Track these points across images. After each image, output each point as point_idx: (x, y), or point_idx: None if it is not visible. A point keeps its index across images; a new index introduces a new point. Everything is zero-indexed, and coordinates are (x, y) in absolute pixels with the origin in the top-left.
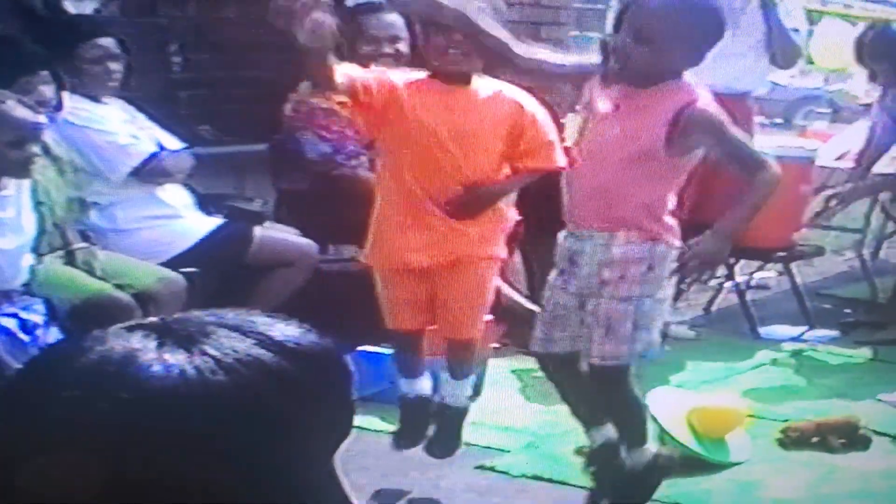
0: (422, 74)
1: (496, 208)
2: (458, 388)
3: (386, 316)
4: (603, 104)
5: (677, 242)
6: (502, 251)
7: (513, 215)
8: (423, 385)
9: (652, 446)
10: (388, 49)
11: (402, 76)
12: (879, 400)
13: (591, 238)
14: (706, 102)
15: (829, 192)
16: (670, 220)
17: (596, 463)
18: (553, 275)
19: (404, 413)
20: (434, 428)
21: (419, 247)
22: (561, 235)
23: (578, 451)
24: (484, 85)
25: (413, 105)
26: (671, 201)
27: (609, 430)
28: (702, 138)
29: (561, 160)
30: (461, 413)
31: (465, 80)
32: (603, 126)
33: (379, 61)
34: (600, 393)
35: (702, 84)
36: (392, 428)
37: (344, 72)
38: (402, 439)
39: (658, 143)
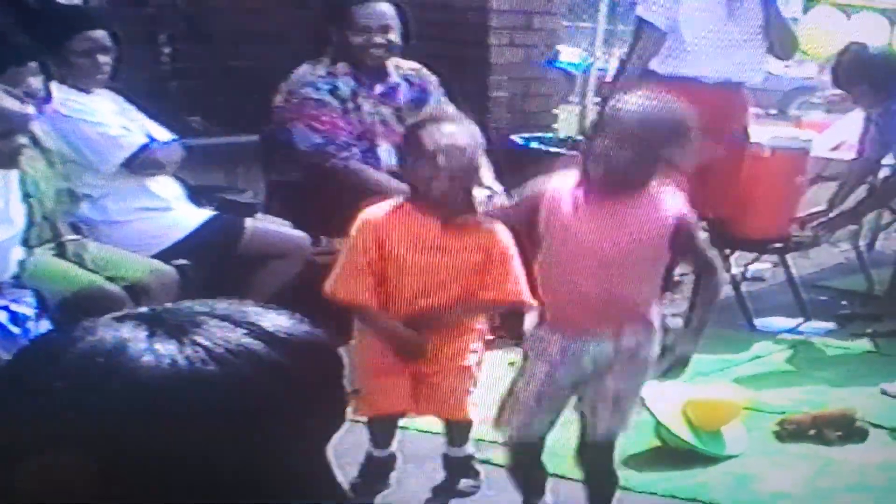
0: (398, 202)
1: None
2: (460, 451)
3: (361, 403)
4: (581, 213)
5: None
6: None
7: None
8: (392, 446)
9: None
10: (379, 39)
11: (381, 214)
12: (884, 392)
13: (595, 339)
14: (689, 214)
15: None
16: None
17: None
18: (530, 366)
19: (368, 468)
20: (446, 477)
21: (399, 394)
22: (540, 331)
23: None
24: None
25: (394, 239)
26: (658, 290)
27: (547, 499)
28: (686, 245)
29: (527, 296)
30: (469, 459)
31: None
32: (588, 233)
33: (370, 51)
34: (592, 467)
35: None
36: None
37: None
38: (362, 492)
39: (663, 248)
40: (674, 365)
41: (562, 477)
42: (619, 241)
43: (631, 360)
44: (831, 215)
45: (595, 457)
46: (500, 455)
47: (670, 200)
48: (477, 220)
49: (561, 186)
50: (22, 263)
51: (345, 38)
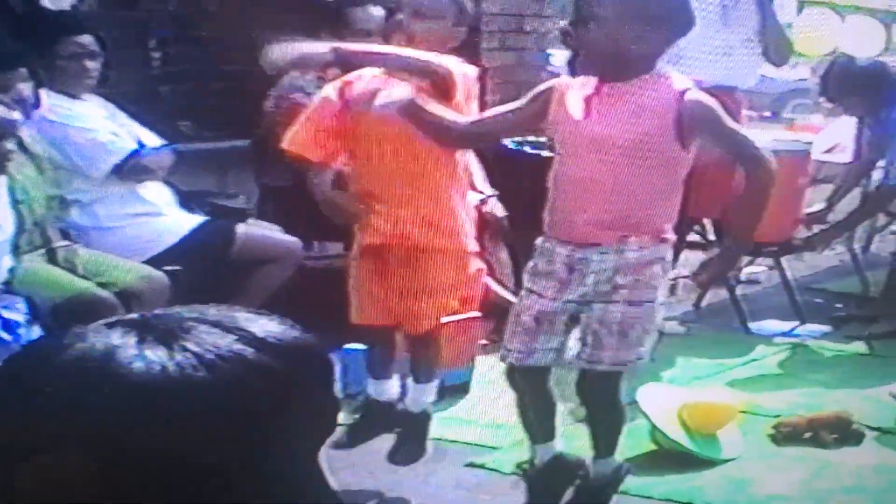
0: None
1: (447, 199)
2: (421, 392)
3: (353, 310)
4: (578, 106)
5: (674, 237)
6: (462, 243)
7: (499, 210)
8: (390, 389)
9: (617, 457)
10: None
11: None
12: (893, 396)
13: (599, 247)
14: (698, 92)
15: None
16: (673, 217)
17: (545, 477)
18: (534, 282)
19: (366, 411)
20: (397, 435)
21: (374, 228)
22: (547, 243)
23: (520, 466)
24: None
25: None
26: (677, 198)
27: (557, 445)
28: (703, 128)
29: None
30: (424, 419)
31: None
32: (589, 128)
33: None
34: (594, 400)
35: (679, 74)
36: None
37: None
38: (352, 436)
39: (668, 136)
40: (711, 276)
41: None
42: (626, 127)
43: (636, 279)
44: (824, 227)
45: (598, 390)
46: (495, 460)
47: (675, 81)
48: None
49: (568, 82)
50: (13, 270)
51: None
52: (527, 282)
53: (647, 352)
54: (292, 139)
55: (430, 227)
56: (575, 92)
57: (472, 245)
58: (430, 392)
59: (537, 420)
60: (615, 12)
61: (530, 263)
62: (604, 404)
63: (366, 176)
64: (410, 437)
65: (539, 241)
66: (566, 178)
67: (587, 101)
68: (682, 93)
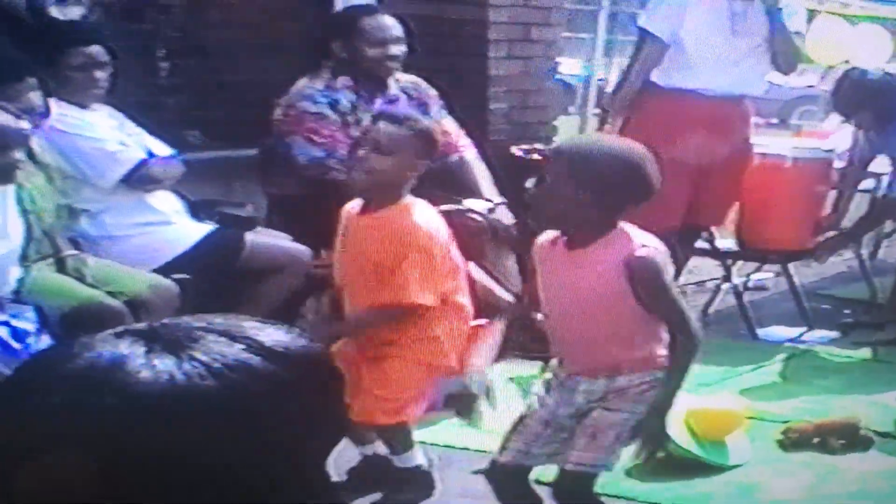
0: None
1: (431, 320)
2: (403, 459)
3: None
4: (552, 259)
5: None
6: (440, 359)
7: (506, 218)
8: (378, 446)
9: None
10: (394, 50)
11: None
12: None
13: (586, 377)
14: (648, 251)
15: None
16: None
17: None
18: (541, 393)
19: (360, 466)
20: (393, 485)
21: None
22: (552, 367)
23: None
24: (394, 210)
25: (343, 225)
26: (661, 330)
27: None
28: (642, 287)
29: (417, 297)
30: (415, 471)
31: (376, 204)
32: (556, 279)
33: (385, 63)
34: (566, 498)
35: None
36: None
37: None
38: (353, 493)
39: (627, 294)
40: (645, 443)
41: None
42: (578, 287)
43: (621, 396)
44: (829, 235)
45: (568, 491)
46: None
47: (627, 242)
48: (402, 208)
49: (545, 239)
50: (22, 279)
51: (356, 51)
52: (536, 389)
53: (616, 460)
54: None
55: (399, 346)
56: (547, 246)
57: (451, 360)
58: (413, 457)
59: None
60: (568, 182)
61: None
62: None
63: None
64: (401, 489)
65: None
66: (552, 327)
67: (555, 261)
68: (633, 251)
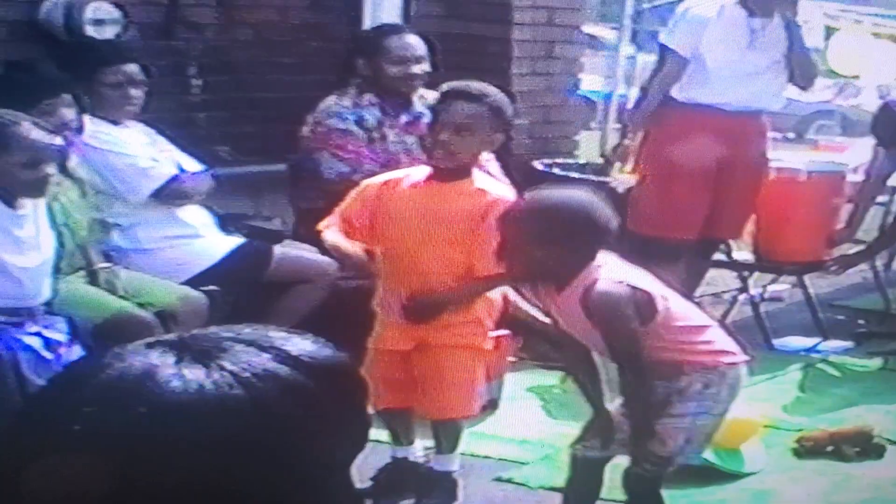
0: (407, 171)
1: (475, 301)
2: (444, 461)
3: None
4: (552, 302)
5: (735, 358)
6: (480, 340)
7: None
8: (410, 451)
9: None
10: (416, 69)
11: (382, 179)
12: None
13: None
14: (603, 284)
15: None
16: (708, 345)
17: None
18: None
19: (389, 470)
20: (420, 491)
21: (390, 333)
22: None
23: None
24: (471, 182)
25: (393, 201)
26: (694, 333)
27: None
28: (599, 319)
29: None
30: (449, 481)
31: (448, 176)
32: (566, 321)
33: (407, 81)
34: (634, 494)
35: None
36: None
37: (330, 235)
38: (379, 496)
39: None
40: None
41: None
42: (580, 330)
43: (683, 397)
44: (847, 250)
45: (637, 483)
46: (522, 474)
47: (588, 277)
48: (482, 188)
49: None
50: (55, 291)
51: (379, 69)
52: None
53: (685, 458)
54: (327, 224)
55: (451, 330)
56: (540, 293)
57: (489, 342)
58: (452, 461)
59: (576, 501)
60: (527, 241)
61: None
62: (639, 496)
63: (390, 280)
64: (429, 495)
65: None
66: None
67: (549, 305)
68: (590, 286)
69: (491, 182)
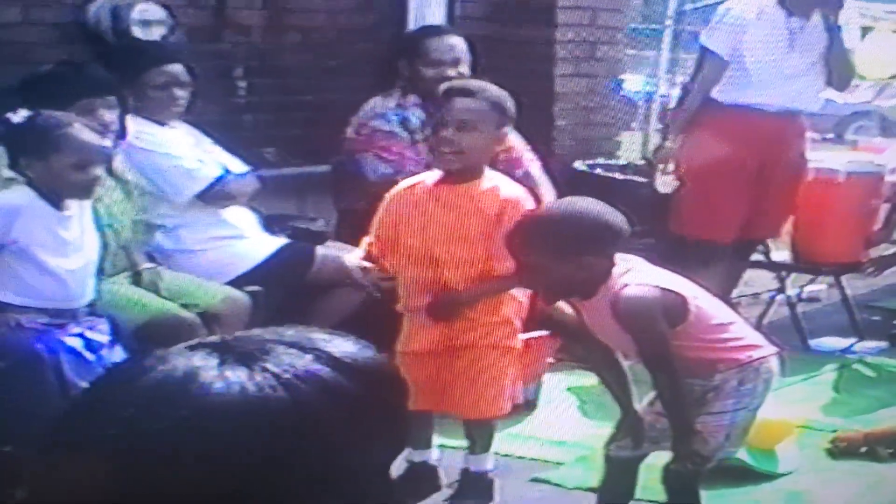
0: (423, 176)
1: (501, 301)
2: (477, 461)
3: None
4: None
5: (766, 351)
6: (510, 340)
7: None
8: (429, 454)
9: None
10: (451, 72)
11: (402, 187)
12: None
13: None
14: (629, 290)
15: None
16: (739, 340)
17: None
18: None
19: (408, 474)
20: (456, 490)
21: (417, 335)
22: None
23: None
24: (482, 182)
25: (410, 207)
26: (725, 331)
27: None
28: (626, 326)
29: None
30: (482, 479)
31: (459, 178)
32: (603, 333)
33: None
34: (673, 492)
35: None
36: (447, 441)
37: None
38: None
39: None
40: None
41: None
42: (612, 336)
43: (719, 394)
44: (887, 253)
45: (676, 480)
46: (559, 475)
47: (613, 284)
48: (495, 187)
49: None
50: (98, 292)
51: (417, 71)
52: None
53: (725, 455)
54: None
55: (480, 331)
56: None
57: (517, 341)
58: (487, 460)
59: (610, 501)
60: (540, 262)
61: None
62: (679, 494)
63: (415, 283)
64: (468, 495)
65: None
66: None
67: (580, 309)
68: (617, 292)
69: (503, 181)
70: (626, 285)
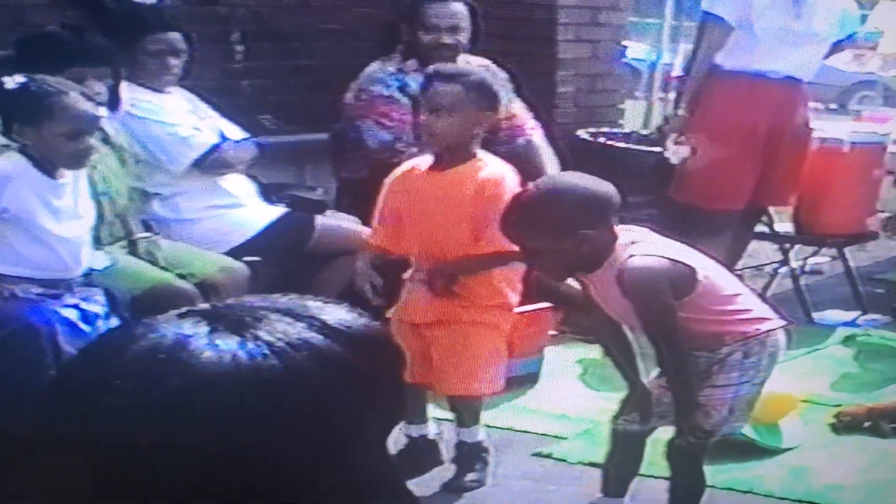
0: (419, 160)
1: (496, 279)
2: (467, 434)
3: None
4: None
5: (773, 324)
6: (500, 320)
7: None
8: (426, 428)
9: None
10: (447, 39)
11: (400, 171)
12: None
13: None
14: (633, 261)
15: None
16: (747, 313)
17: None
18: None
19: (407, 449)
20: (455, 464)
21: (413, 305)
22: None
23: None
24: (470, 165)
25: (406, 190)
26: (733, 303)
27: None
28: (632, 299)
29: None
30: (477, 448)
31: (448, 162)
32: (610, 307)
33: (438, 51)
34: (677, 467)
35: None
36: (445, 414)
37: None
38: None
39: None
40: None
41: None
42: (614, 307)
43: (724, 367)
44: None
45: (680, 453)
46: (561, 449)
47: (618, 256)
48: (482, 167)
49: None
50: (104, 266)
51: (414, 36)
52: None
53: (730, 429)
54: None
55: (476, 308)
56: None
57: (509, 321)
58: (478, 431)
59: (617, 476)
60: (538, 241)
61: None
62: (685, 473)
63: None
64: (467, 466)
65: None
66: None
67: (586, 284)
68: (621, 264)
69: (490, 161)
70: (631, 256)
